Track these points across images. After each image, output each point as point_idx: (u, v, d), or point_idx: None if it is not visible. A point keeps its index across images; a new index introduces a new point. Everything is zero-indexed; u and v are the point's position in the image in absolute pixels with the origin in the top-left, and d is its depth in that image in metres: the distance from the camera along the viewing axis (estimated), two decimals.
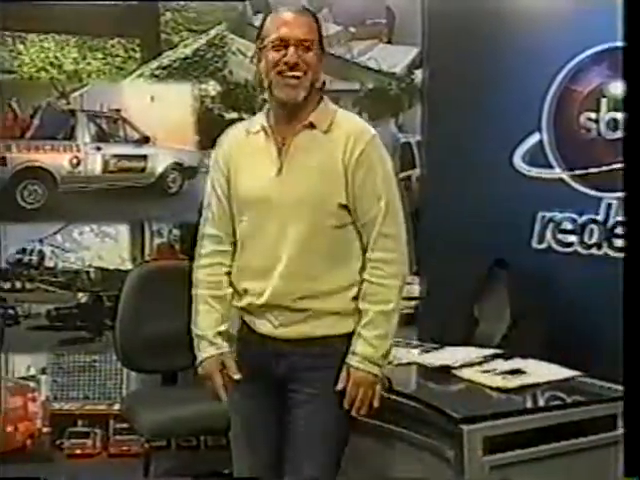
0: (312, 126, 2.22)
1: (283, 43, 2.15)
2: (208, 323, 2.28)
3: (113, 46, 4.69)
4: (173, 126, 4.59)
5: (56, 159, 4.60)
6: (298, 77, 2.15)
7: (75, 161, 4.62)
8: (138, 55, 4.69)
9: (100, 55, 4.67)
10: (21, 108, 4.55)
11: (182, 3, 4.63)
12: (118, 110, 4.67)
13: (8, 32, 4.55)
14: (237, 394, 2.30)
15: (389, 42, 4.66)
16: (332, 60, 4.57)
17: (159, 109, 4.58)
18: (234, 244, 2.30)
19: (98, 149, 4.67)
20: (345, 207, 2.21)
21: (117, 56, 4.68)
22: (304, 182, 2.21)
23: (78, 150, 4.63)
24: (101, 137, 4.68)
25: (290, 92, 2.17)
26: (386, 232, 2.22)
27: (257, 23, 4.34)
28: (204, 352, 2.28)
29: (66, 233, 4.65)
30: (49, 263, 4.64)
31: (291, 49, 2.15)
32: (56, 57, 4.64)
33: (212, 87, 4.65)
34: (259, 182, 2.24)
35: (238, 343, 2.35)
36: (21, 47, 4.61)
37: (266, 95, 2.24)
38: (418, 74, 4.51)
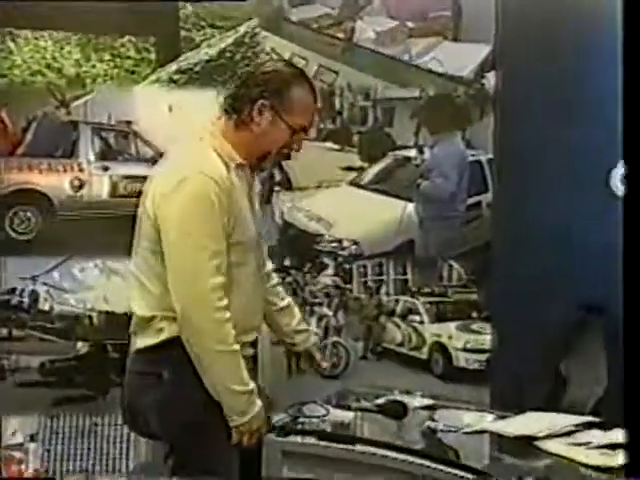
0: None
1: (301, 129, 2.62)
2: (248, 377, 2.60)
3: (123, 45, 4.68)
4: None
5: (54, 181, 4.63)
6: None
7: (77, 183, 4.63)
8: (153, 56, 4.70)
9: (107, 56, 4.69)
10: (12, 119, 4.58)
11: None
12: (129, 122, 4.69)
13: None
14: None
15: (455, 40, 4.63)
16: (386, 62, 4.67)
17: (179, 121, 4.51)
18: None
19: (105, 169, 4.69)
20: None
21: (128, 58, 4.67)
22: (258, 223, 2.71)
23: (81, 170, 4.65)
24: (109, 155, 4.70)
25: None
26: None
27: (295, 18, 4.65)
28: (256, 404, 2.62)
29: (65, 270, 4.63)
30: (43, 306, 4.62)
31: (302, 136, 2.64)
32: (54, 58, 4.64)
33: None
34: (253, 224, 2.64)
35: None
36: (12, 46, 4.62)
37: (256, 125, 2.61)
38: (490, 78, 4.52)
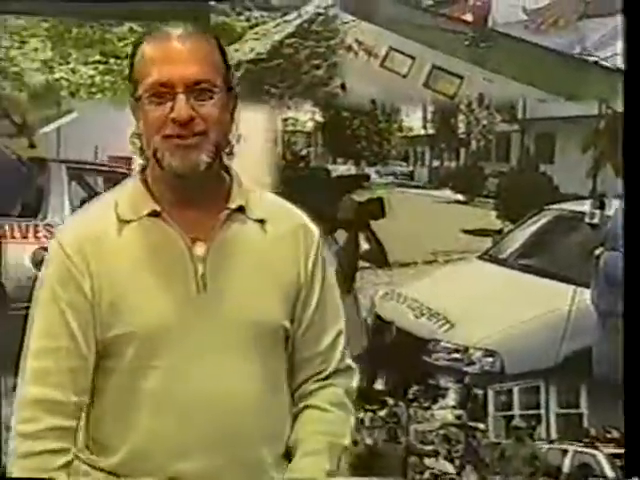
0: (240, 211, 2.09)
1: (166, 90, 1.97)
2: None
3: (120, 39, 4.11)
4: None
5: (8, 255, 4.10)
6: (197, 134, 2.02)
7: (40, 257, 3.80)
8: None
9: (96, 55, 4.13)
10: None
11: None
12: (128, 160, 4.10)
13: None
14: None
15: None
16: (542, 58, 4.01)
17: None
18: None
19: None
20: (286, 337, 2.17)
21: (127, 57, 4.01)
22: (242, 303, 2.07)
23: (50, 234, 4.15)
24: None
25: (186, 157, 1.96)
26: (346, 364, 2.21)
27: None
28: None
29: None
30: None
31: (180, 98, 1.97)
32: (11, 58, 4.08)
33: (309, 114, 4.41)
34: (171, 307, 2.05)
35: None
36: None
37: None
38: None
